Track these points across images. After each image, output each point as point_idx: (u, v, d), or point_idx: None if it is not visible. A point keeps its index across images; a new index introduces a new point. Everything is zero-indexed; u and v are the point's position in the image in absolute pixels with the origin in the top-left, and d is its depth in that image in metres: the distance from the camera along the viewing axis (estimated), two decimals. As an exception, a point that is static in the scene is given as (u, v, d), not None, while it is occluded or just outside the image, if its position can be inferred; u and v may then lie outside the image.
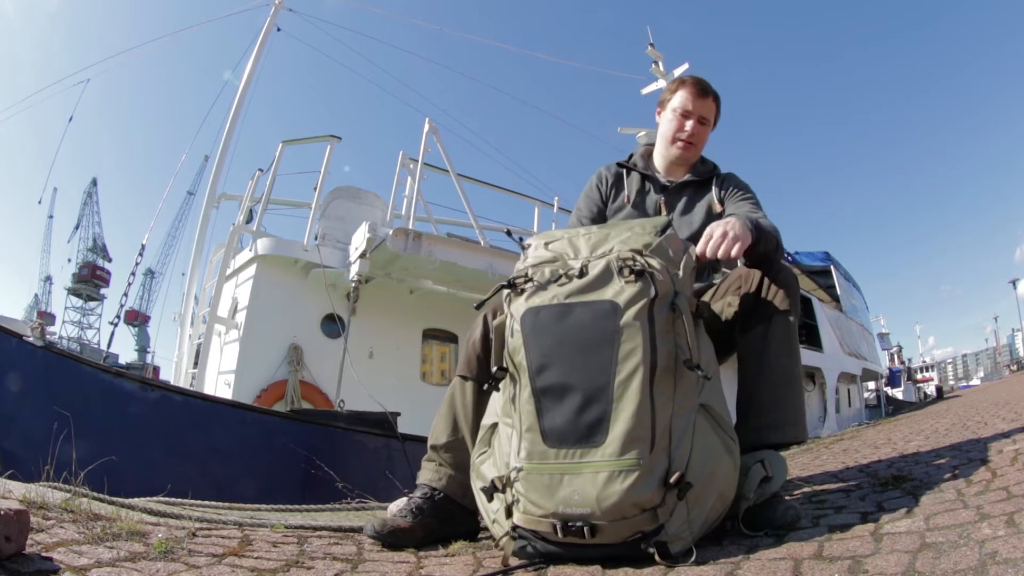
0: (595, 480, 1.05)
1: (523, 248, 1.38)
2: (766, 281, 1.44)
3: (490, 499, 1.20)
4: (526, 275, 1.24)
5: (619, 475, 1.04)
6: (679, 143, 1.75)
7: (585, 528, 1.04)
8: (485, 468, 1.25)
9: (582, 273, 1.20)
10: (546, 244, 1.34)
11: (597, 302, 1.15)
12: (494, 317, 1.41)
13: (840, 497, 1.50)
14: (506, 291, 1.25)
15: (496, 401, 1.29)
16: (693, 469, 1.10)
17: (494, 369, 1.25)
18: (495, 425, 1.27)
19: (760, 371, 1.39)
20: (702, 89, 1.75)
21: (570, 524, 1.05)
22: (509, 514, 1.13)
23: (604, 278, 1.18)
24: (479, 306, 1.40)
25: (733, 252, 1.31)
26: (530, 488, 1.10)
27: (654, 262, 1.20)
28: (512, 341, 1.20)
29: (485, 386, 1.29)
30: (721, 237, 1.32)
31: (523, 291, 1.22)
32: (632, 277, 1.16)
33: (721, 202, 1.76)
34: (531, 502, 1.09)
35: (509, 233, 1.68)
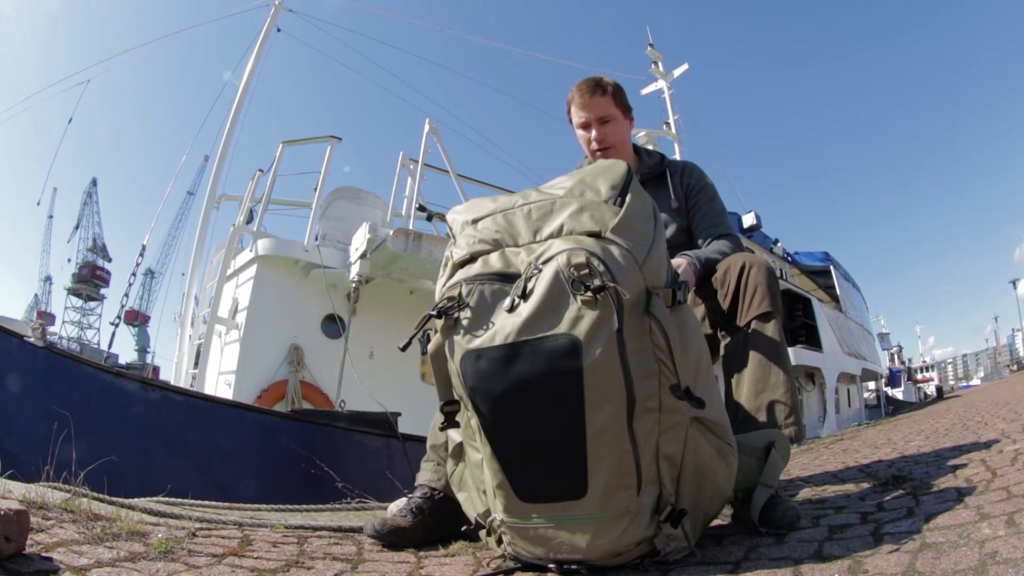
0: (582, 531, 0.95)
1: (445, 223, 1.18)
2: (743, 282, 1.41)
3: (476, 532, 1.13)
4: (459, 298, 1.01)
5: (606, 527, 0.93)
6: (596, 154, 1.70)
7: (582, 569, 0.98)
8: (468, 477, 1.17)
9: (526, 293, 0.95)
10: (474, 222, 1.12)
11: (550, 338, 0.91)
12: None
13: (840, 497, 1.49)
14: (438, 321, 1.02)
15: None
16: (685, 488, 1.01)
17: (441, 404, 1.10)
18: (462, 444, 1.16)
19: (746, 376, 1.37)
20: (587, 91, 1.68)
21: (565, 566, 0.98)
22: (500, 542, 1.07)
23: (554, 299, 0.93)
24: (404, 347, 1.09)
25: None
26: (516, 537, 1.01)
27: (616, 252, 0.96)
28: (456, 384, 1.02)
29: (441, 424, 1.12)
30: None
31: (457, 320, 1.00)
32: (590, 296, 0.90)
33: (682, 199, 1.72)
34: (521, 548, 1.02)
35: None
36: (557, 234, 1.02)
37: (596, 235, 0.99)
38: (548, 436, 0.94)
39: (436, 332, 1.05)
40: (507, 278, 1.00)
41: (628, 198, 1.04)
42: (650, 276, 0.99)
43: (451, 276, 1.09)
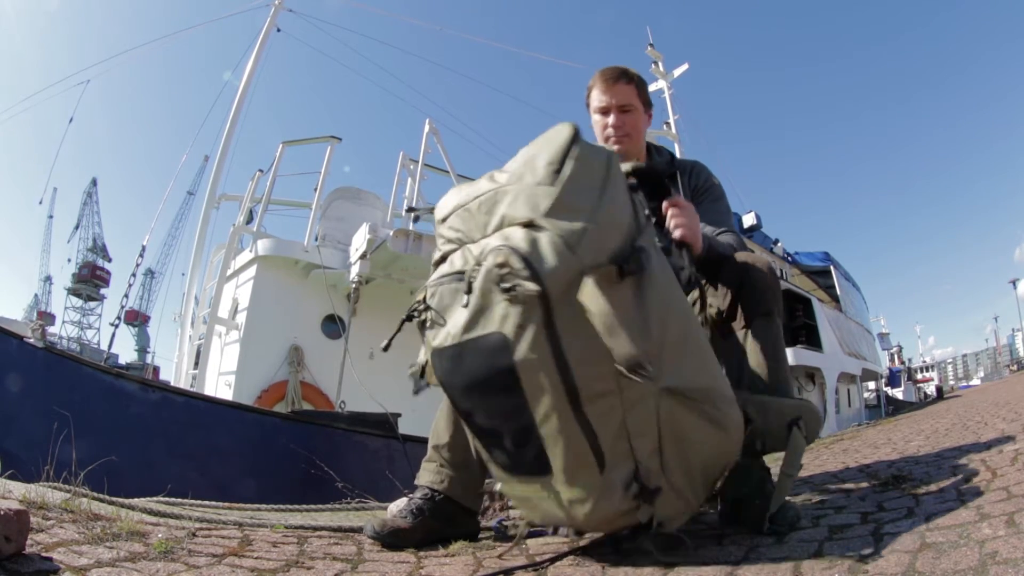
0: (560, 503, 1.01)
1: (430, 219, 1.25)
2: (744, 280, 1.40)
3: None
4: (424, 300, 1.08)
5: (577, 502, 0.99)
6: (611, 140, 1.65)
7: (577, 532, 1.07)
8: None
9: (471, 291, 0.99)
10: (443, 220, 1.14)
11: (485, 337, 0.96)
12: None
13: (840, 497, 1.49)
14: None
15: None
16: (670, 458, 1.00)
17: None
18: None
19: (743, 378, 1.36)
20: (612, 77, 1.64)
21: (561, 529, 1.07)
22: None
23: (487, 298, 0.96)
24: (386, 347, 1.20)
25: (677, 235, 1.25)
26: (515, 502, 1.13)
27: (544, 240, 0.93)
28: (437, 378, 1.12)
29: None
30: (687, 225, 1.26)
31: (425, 322, 1.08)
32: (512, 293, 0.92)
33: (688, 200, 1.69)
34: (521, 511, 1.13)
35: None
36: (499, 226, 1.02)
37: (530, 223, 0.97)
38: (505, 424, 1.01)
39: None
40: (463, 276, 1.03)
41: (567, 170, 0.98)
42: (589, 255, 0.94)
43: (431, 277, 1.14)
